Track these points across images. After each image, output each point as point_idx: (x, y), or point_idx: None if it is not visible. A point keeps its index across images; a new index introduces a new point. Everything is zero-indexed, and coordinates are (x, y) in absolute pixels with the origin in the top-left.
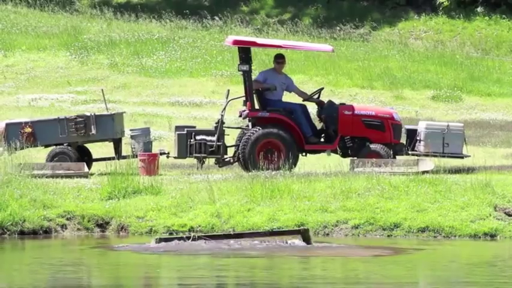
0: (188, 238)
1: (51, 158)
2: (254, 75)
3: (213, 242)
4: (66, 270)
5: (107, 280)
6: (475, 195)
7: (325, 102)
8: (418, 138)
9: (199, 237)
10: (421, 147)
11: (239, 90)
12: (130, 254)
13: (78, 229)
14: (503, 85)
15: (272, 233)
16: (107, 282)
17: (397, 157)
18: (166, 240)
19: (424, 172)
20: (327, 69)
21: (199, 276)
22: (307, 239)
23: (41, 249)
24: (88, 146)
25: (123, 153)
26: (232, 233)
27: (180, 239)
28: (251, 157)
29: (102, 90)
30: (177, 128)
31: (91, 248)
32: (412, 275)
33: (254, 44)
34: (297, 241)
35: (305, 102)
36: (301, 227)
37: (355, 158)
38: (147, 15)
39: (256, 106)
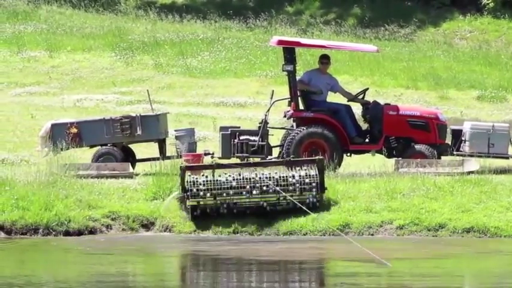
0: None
1: (97, 158)
2: (299, 76)
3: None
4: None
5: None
6: None
7: (370, 102)
8: (463, 138)
9: (222, 165)
10: (466, 147)
11: (283, 90)
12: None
13: (123, 229)
14: None
15: (289, 162)
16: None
17: (442, 157)
18: (193, 168)
19: (469, 172)
20: (371, 69)
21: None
22: (321, 169)
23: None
24: (132, 146)
25: (168, 154)
26: (252, 162)
27: (205, 167)
28: None
29: (148, 91)
30: (222, 128)
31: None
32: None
33: (298, 44)
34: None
35: (350, 103)
36: (316, 157)
37: (400, 158)
38: (192, 15)
39: (301, 106)
